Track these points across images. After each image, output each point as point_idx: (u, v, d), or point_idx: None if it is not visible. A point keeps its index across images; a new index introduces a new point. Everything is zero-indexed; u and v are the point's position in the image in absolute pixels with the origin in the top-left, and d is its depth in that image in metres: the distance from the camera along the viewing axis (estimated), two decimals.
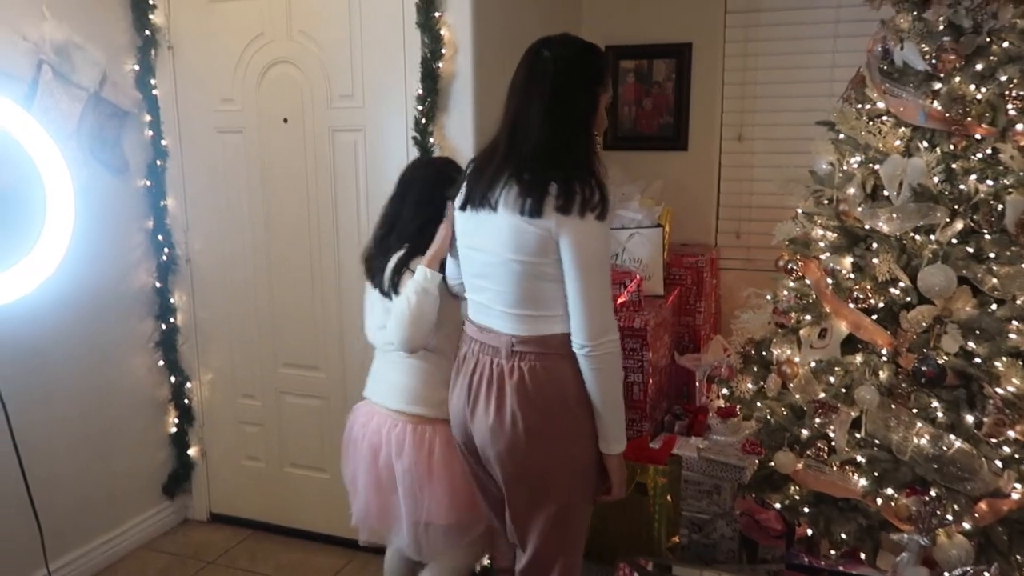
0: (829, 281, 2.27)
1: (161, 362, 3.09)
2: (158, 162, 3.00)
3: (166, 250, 3.03)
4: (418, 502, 2.02)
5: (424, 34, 2.54)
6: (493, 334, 1.76)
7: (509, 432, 1.72)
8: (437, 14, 2.53)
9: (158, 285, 3.05)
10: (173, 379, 3.11)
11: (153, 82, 2.95)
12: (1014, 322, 2.00)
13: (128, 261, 2.96)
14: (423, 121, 2.58)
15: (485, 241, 1.73)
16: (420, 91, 2.57)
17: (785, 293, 2.44)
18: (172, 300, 3.08)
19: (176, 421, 3.14)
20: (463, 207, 1.79)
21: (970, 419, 2.01)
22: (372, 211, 2.78)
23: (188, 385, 3.14)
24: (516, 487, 1.78)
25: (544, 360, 1.70)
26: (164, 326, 3.07)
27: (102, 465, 2.87)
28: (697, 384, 3.04)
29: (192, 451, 3.18)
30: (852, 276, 2.25)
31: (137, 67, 2.91)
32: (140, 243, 3.00)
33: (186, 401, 3.14)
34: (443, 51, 2.55)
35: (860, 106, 2.36)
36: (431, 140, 2.59)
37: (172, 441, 3.15)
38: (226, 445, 3.18)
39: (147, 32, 2.89)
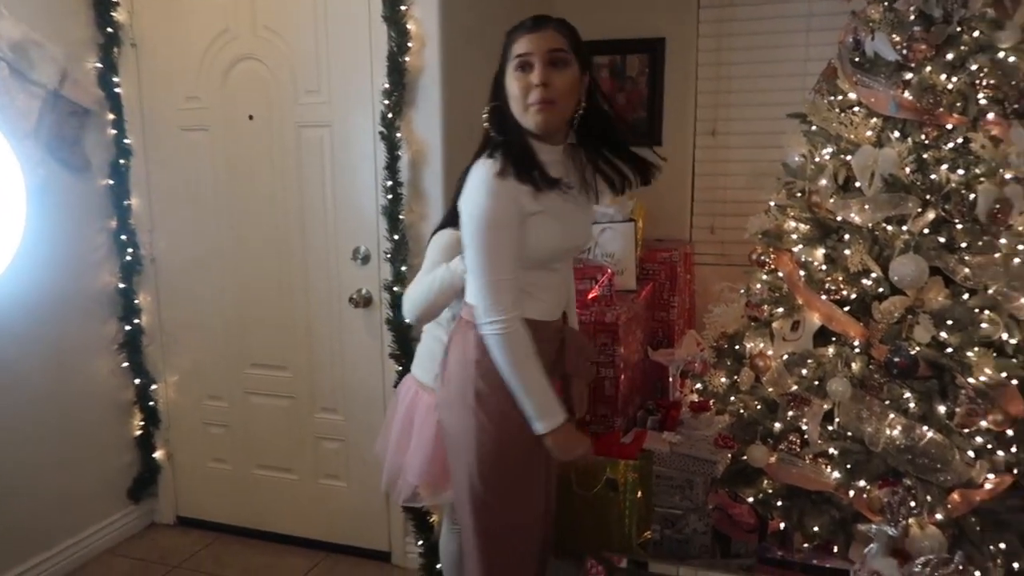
0: (801, 273, 2.25)
1: (125, 364, 3.01)
2: (121, 161, 2.93)
3: (130, 250, 2.97)
4: (397, 457, 2.14)
5: (390, 27, 2.50)
6: None
7: (440, 387, 1.81)
8: (403, 7, 2.49)
9: (122, 286, 2.98)
10: (138, 381, 3.04)
11: (116, 80, 2.89)
12: (986, 312, 1.99)
13: (90, 261, 2.89)
14: (390, 116, 2.54)
15: None
16: (387, 85, 2.53)
17: (758, 286, 2.42)
18: (136, 301, 3.01)
19: (141, 424, 3.07)
20: None
21: (942, 410, 1.99)
22: (339, 207, 2.74)
23: (153, 387, 3.07)
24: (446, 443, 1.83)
25: (468, 329, 1.71)
26: (128, 327, 3.00)
27: (64, 469, 2.80)
28: (670, 379, 3.02)
29: (158, 454, 3.11)
30: (824, 268, 2.23)
31: (99, 65, 2.85)
32: (103, 243, 2.94)
33: (151, 403, 3.07)
34: (410, 45, 2.50)
35: (832, 98, 2.35)
36: (398, 135, 2.55)
37: (137, 444, 3.08)
38: (192, 447, 3.12)
39: (109, 29, 2.83)
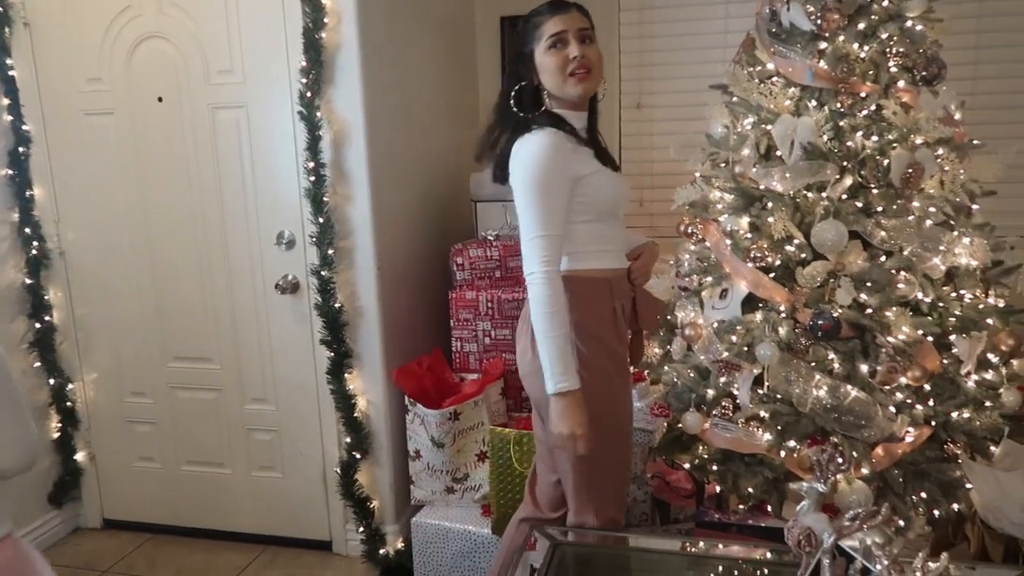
0: (728, 242, 2.29)
1: (38, 363, 2.87)
2: (20, 149, 2.76)
3: (35, 243, 2.81)
4: None
5: (304, 3, 2.41)
6: None
7: (526, 359, 1.85)
8: None
9: (28, 281, 2.82)
10: (52, 381, 2.89)
11: (8, 62, 2.72)
12: (902, 272, 2.06)
13: None
14: (308, 95, 2.46)
15: None
16: (303, 63, 2.44)
17: (687, 257, 2.45)
18: (46, 297, 2.86)
19: (59, 425, 2.93)
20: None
21: (865, 368, 2.06)
22: (260, 191, 2.65)
23: (70, 386, 2.93)
24: (538, 411, 1.92)
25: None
26: (38, 325, 2.85)
27: None
28: None
29: (79, 456, 2.98)
30: (749, 236, 2.26)
31: None
32: (5, 236, 2.77)
33: (68, 403, 2.93)
34: (325, 20, 2.43)
35: (752, 68, 2.37)
36: (318, 115, 2.48)
37: (56, 447, 2.94)
38: (116, 447, 2.99)
39: None
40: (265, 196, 2.64)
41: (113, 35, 2.66)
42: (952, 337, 2.09)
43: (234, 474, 2.89)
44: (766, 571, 1.85)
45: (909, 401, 2.08)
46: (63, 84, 2.75)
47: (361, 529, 2.70)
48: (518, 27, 1.86)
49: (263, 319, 2.73)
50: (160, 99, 2.68)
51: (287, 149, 2.58)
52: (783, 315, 2.14)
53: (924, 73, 2.16)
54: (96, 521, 3.05)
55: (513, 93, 1.83)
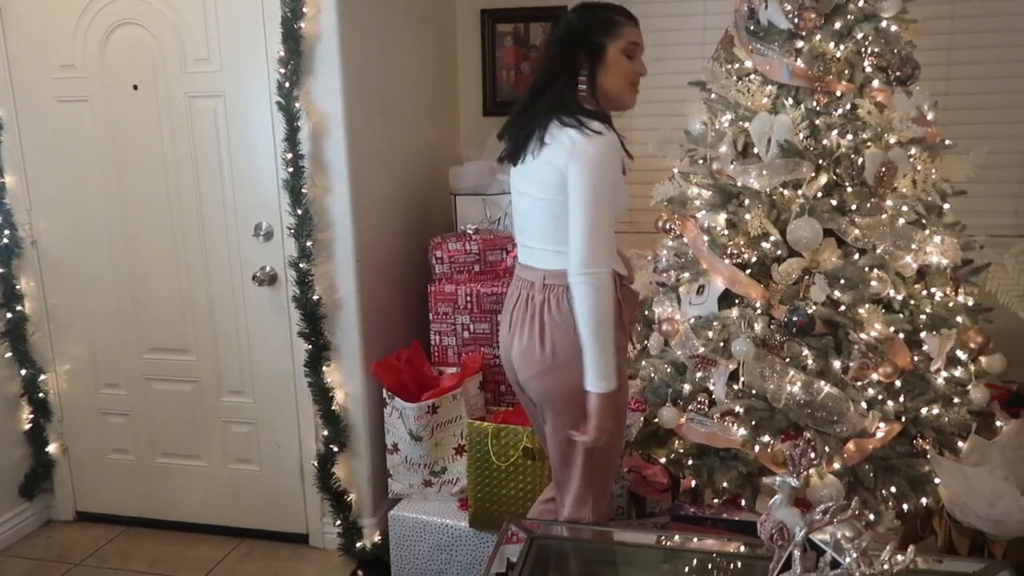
0: (705, 238, 2.31)
1: (9, 354, 2.83)
2: None
3: (7, 232, 2.77)
4: None
5: None
6: (530, 270, 1.89)
7: (538, 357, 1.82)
8: None
9: (0, 271, 2.78)
10: (24, 372, 2.86)
11: None
12: (875, 270, 2.09)
13: None
14: (287, 85, 2.43)
15: (525, 184, 1.87)
16: (282, 53, 2.42)
17: (664, 252, 2.47)
18: (18, 286, 2.82)
19: (31, 416, 2.90)
20: (512, 163, 1.92)
21: (837, 364, 2.09)
22: (237, 181, 2.62)
23: (42, 377, 2.90)
24: (545, 408, 1.90)
25: (569, 291, 1.80)
26: (10, 315, 2.81)
27: None
28: None
29: (51, 447, 2.94)
30: (726, 232, 2.29)
31: None
32: None
33: (41, 394, 2.89)
34: (304, 10, 2.40)
35: (730, 66, 2.39)
36: (297, 105, 2.45)
37: (27, 438, 2.91)
38: (90, 439, 2.96)
39: None
40: (243, 187, 2.62)
41: (87, 21, 2.62)
42: (923, 334, 2.13)
43: (210, 466, 2.88)
44: (739, 564, 1.88)
45: (880, 397, 2.12)
46: (35, 70, 2.70)
47: (338, 522, 2.70)
48: (596, 14, 1.85)
49: (240, 311, 2.71)
50: (135, 87, 2.64)
51: (265, 139, 2.56)
52: (759, 311, 2.17)
53: (898, 73, 2.19)
54: (69, 513, 3.02)
55: (584, 79, 1.83)
